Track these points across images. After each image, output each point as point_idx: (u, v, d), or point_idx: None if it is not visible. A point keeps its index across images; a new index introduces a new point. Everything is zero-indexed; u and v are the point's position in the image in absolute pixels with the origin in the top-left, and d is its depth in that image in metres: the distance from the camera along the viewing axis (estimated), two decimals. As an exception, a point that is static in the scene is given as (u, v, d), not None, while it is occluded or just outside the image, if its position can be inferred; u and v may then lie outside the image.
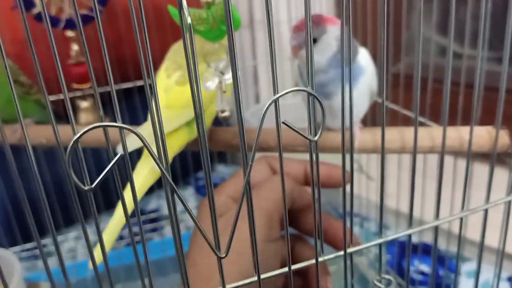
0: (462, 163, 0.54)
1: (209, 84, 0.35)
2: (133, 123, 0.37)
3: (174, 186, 0.21)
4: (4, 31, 0.63)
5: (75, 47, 0.55)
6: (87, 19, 0.55)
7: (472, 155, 0.31)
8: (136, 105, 0.63)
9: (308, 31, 0.21)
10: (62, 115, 0.59)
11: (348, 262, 0.26)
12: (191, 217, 0.22)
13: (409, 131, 0.38)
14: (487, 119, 0.35)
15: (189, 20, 0.19)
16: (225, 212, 0.30)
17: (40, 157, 0.62)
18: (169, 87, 0.40)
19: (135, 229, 0.74)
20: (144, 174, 0.39)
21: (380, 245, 0.27)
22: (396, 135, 0.38)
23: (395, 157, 0.64)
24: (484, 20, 0.26)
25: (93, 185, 0.20)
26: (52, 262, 0.70)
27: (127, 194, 0.37)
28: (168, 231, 0.74)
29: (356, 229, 0.72)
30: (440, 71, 0.55)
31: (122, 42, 0.62)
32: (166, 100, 0.40)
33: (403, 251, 0.67)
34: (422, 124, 0.49)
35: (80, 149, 0.20)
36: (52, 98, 0.58)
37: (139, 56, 0.19)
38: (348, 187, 0.26)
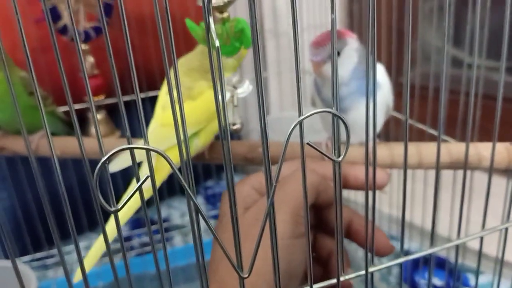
0: (477, 175, 0.54)
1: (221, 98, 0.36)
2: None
3: (199, 206, 0.21)
4: (16, 40, 0.64)
5: (89, 59, 0.56)
6: (99, 31, 0.55)
7: (486, 170, 0.31)
8: (148, 115, 0.64)
9: (334, 50, 0.21)
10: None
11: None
12: (214, 236, 0.22)
13: (425, 146, 0.38)
14: (500, 130, 0.35)
15: (217, 43, 0.19)
16: (251, 204, 0.30)
17: (50, 167, 0.62)
18: (167, 104, 0.40)
19: (145, 239, 0.74)
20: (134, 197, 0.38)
21: (401, 264, 0.27)
22: (413, 150, 0.38)
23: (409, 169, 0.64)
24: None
25: (119, 206, 0.20)
26: (61, 272, 0.70)
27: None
28: (177, 241, 0.74)
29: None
30: (453, 82, 0.55)
31: (135, 52, 0.62)
32: (162, 118, 0.40)
33: (415, 264, 0.67)
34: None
35: (108, 170, 0.20)
36: (65, 109, 0.59)
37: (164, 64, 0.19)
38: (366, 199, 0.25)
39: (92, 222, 0.73)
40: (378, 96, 0.38)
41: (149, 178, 0.20)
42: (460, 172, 0.29)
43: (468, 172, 0.47)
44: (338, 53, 0.36)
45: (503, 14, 0.26)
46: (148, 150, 0.20)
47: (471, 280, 0.63)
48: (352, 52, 0.37)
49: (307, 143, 0.21)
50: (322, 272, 0.32)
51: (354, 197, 0.72)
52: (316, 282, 0.25)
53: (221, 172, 0.96)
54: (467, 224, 0.55)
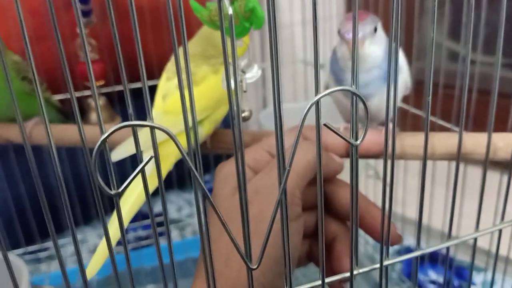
0: (470, 169, 0.53)
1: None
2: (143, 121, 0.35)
3: (207, 191, 0.20)
4: (11, 27, 0.62)
5: (90, 43, 0.54)
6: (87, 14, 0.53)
7: (488, 163, 0.29)
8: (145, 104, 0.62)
9: (355, 34, 0.20)
10: (70, 114, 0.58)
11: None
12: (222, 223, 0.21)
13: (437, 137, 0.36)
14: (498, 127, 0.34)
15: (230, 11, 0.17)
16: (263, 167, 0.29)
17: (45, 156, 0.60)
18: (169, 91, 0.38)
19: (141, 233, 0.72)
20: (133, 198, 0.36)
21: (417, 258, 0.26)
22: (423, 141, 0.36)
23: (402, 162, 0.63)
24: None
25: (120, 189, 0.18)
26: (55, 266, 0.68)
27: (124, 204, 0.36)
28: (175, 235, 0.73)
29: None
30: (451, 76, 0.54)
31: (132, 40, 0.60)
32: (164, 106, 0.38)
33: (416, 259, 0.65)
34: (447, 129, 0.48)
35: (107, 150, 0.18)
36: (62, 96, 0.57)
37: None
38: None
39: (87, 216, 0.71)
40: (400, 79, 0.36)
41: (153, 159, 0.19)
42: (459, 167, 0.28)
43: (462, 166, 0.46)
44: (375, 29, 0.34)
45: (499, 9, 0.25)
46: (152, 128, 0.18)
47: (474, 276, 0.62)
48: (381, 30, 0.35)
49: (324, 124, 0.20)
50: (327, 255, 0.30)
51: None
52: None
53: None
54: (459, 218, 0.55)
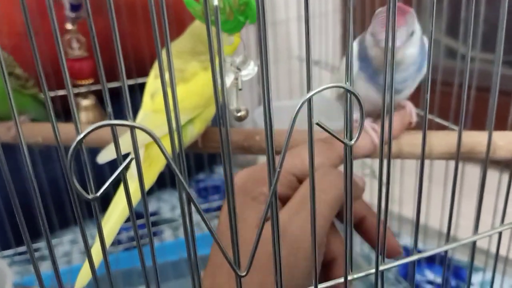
0: (468, 168, 0.52)
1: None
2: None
3: (192, 195, 0.18)
4: (1, 24, 0.60)
5: (75, 41, 0.52)
6: (76, 8, 0.52)
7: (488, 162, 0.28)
8: (136, 103, 0.60)
9: (350, 42, 0.18)
10: (59, 112, 0.56)
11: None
12: (209, 230, 0.19)
13: (434, 135, 0.35)
14: (498, 124, 0.33)
15: (215, 2, 0.16)
16: (293, 192, 0.27)
17: (36, 155, 0.59)
18: (158, 89, 0.37)
19: (132, 233, 0.71)
20: (119, 210, 0.35)
21: (414, 262, 0.25)
22: (419, 140, 0.35)
23: (398, 160, 0.62)
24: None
25: (98, 194, 0.17)
26: (47, 266, 0.67)
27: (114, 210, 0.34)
28: (168, 235, 0.72)
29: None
30: (448, 73, 0.54)
31: (125, 37, 0.59)
32: (153, 104, 0.37)
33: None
34: (445, 127, 0.47)
35: (84, 151, 0.17)
36: (51, 94, 0.55)
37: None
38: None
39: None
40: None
41: (134, 161, 0.17)
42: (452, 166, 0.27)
43: (460, 165, 0.45)
44: (413, 33, 0.33)
45: (499, 5, 0.24)
46: (132, 128, 0.17)
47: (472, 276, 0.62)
48: (419, 29, 0.34)
49: (317, 123, 0.19)
50: (324, 276, 0.29)
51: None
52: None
53: (213, 164, 0.93)
54: (457, 218, 0.54)
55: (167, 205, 0.80)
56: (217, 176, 0.91)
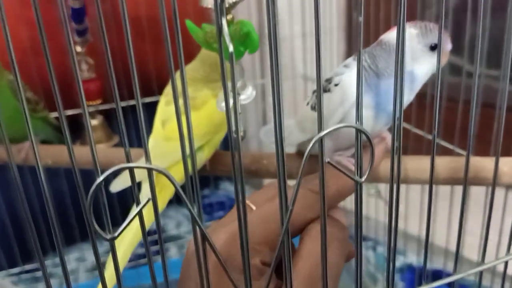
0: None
1: (224, 105, 0.33)
2: (140, 140, 0.34)
3: (207, 234, 0.19)
4: (4, 42, 0.61)
5: (88, 62, 0.53)
6: (83, 33, 0.53)
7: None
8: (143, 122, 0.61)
9: (359, 57, 0.19)
10: (69, 133, 0.57)
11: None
12: (220, 261, 0.20)
13: (440, 161, 0.35)
14: (503, 142, 0.33)
15: (230, 48, 0.17)
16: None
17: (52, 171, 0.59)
18: (169, 117, 0.38)
19: (140, 250, 0.71)
20: (129, 237, 0.36)
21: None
22: (426, 165, 0.36)
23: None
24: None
25: (116, 234, 0.17)
26: (54, 283, 0.67)
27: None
28: (174, 253, 0.72)
29: (369, 253, 0.70)
30: (451, 89, 0.54)
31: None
32: (164, 132, 0.37)
33: (419, 278, 0.64)
34: (450, 151, 0.47)
35: (104, 194, 0.17)
36: (57, 114, 0.56)
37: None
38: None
39: (84, 232, 0.70)
40: None
41: (151, 201, 0.18)
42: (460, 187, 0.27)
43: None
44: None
45: (503, 22, 0.24)
46: (150, 170, 0.17)
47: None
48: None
49: (328, 162, 0.19)
50: None
51: (375, 216, 0.69)
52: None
53: (218, 180, 0.94)
54: (463, 235, 0.54)
55: (173, 222, 0.80)
56: (222, 192, 0.91)
